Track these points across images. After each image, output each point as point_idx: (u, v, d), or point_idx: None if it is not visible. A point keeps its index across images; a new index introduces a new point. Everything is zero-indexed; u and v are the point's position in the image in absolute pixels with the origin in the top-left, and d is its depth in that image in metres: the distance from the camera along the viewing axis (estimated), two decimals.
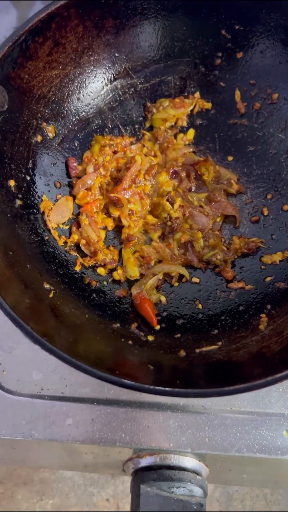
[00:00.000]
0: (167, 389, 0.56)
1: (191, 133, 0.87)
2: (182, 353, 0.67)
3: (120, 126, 0.86)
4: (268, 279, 0.76)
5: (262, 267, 0.78)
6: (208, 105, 0.87)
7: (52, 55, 0.75)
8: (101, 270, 0.77)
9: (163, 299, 0.77)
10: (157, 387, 0.55)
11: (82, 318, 0.69)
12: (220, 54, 0.83)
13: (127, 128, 0.87)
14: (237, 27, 0.80)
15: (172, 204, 0.80)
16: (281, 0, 0.74)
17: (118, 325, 0.71)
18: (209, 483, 1.19)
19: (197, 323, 0.74)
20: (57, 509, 1.13)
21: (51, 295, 0.68)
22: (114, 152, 0.84)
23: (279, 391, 0.74)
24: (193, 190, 0.83)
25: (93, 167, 0.81)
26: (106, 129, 0.85)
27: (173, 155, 0.84)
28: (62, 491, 1.15)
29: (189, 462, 0.72)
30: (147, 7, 0.78)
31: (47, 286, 0.69)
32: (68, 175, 0.81)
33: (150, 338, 0.71)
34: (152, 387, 0.55)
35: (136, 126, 0.87)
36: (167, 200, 0.80)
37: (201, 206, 0.82)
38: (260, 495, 1.11)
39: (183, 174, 0.83)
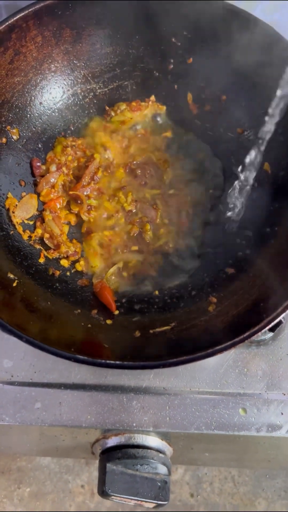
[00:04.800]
0: (117, 362, 0.61)
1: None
2: (137, 333, 0.72)
3: (81, 128, 0.92)
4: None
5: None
6: (163, 108, 0.93)
7: (14, 63, 0.81)
8: (64, 262, 0.83)
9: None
10: (107, 361, 0.61)
11: (45, 305, 0.74)
12: (172, 60, 0.90)
13: None
14: (185, 34, 0.86)
15: (126, 198, 0.87)
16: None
17: (79, 311, 0.76)
18: (178, 466, 1.23)
19: (153, 307, 0.79)
20: (34, 496, 1.18)
21: (14, 284, 0.73)
22: (76, 152, 0.90)
23: (235, 372, 0.78)
24: (147, 185, 0.89)
25: (56, 166, 0.86)
26: (69, 131, 0.91)
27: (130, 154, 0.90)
28: (39, 479, 1.20)
29: (153, 441, 0.76)
30: (101, 18, 0.84)
31: (11, 276, 0.74)
32: (33, 174, 0.87)
33: (109, 322, 0.76)
34: (102, 361, 0.61)
35: None
36: (122, 194, 0.86)
37: (154, 201, 0.88)
38: (228, 477, 1.17)
39: (138, 171, 0.89)
